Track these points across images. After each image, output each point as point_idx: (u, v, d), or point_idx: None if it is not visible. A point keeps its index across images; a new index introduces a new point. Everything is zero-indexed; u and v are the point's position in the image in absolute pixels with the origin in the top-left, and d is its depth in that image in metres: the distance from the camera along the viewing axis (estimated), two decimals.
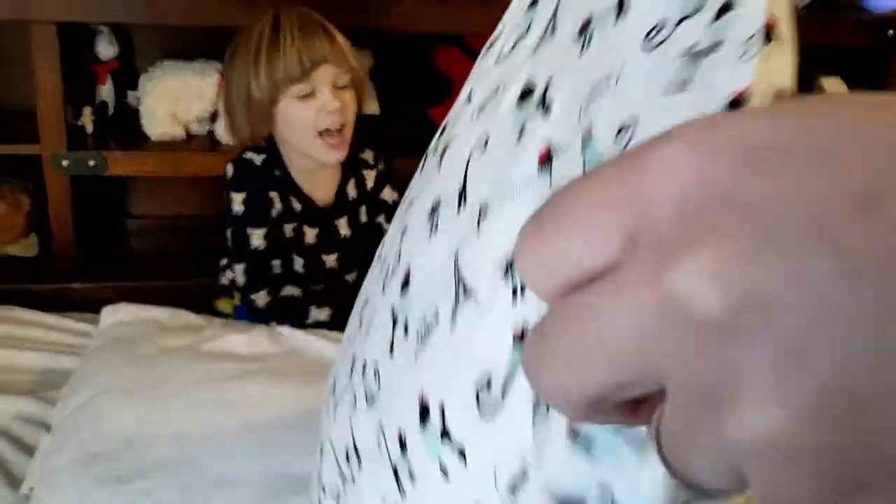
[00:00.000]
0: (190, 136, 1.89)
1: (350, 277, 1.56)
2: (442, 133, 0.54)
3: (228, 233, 1.44)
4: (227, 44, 1.92)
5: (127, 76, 1.91)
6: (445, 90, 2.01)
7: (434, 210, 0.47)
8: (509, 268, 0.37)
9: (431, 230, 0.46)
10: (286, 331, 1.34)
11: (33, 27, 1.62)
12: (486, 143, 0.44)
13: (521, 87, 0.42)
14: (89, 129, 1.84)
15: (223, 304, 1.67)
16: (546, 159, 0.37)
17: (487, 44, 0.54)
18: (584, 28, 0.38)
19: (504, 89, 0.44)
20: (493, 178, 0.41)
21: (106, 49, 1.85)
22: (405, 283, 0.47)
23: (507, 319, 0.36)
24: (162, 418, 1.14)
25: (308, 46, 1.32)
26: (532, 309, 0.35)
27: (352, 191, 1.50)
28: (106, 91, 1.88)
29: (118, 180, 2.07)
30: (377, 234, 1.53)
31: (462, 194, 0.44)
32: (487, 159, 0.43)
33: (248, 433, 1.13)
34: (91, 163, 1.75)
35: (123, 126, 1.89)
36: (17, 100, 1.87)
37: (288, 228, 1.45)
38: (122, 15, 1.67)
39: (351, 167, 1.50)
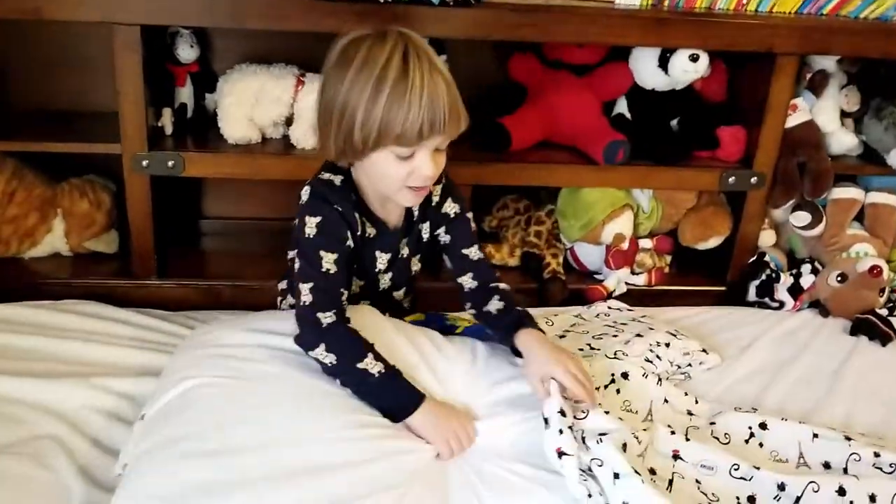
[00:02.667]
0: (265, 140, 1.91)
1: (398, 294, 1.53)
2: None
3: (296, 254, 1.35)
4: (306, 48, 1.94)
5: (206, 79, 1.94)
6: (519, 98, 2.00)
7: None
8: None
9: None
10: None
11: (117, 29, 1.66)
12: None
13: None
14: (168, 130, 1.88)
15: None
16: None
17: None
18: None
19: None
20: None
21: (186, 52, 1.89)
22: None
23: None
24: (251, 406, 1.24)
25: (432, 114, 1.21)
26: None
27: (416, 209, 1.44)
28: (185, 93, 1.91)
29: (195, 181, 2.11)
30: (433, 247, 1.51)
31: None
32: None
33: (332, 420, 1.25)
34: (170, 163, 1.79)
35: (201, 128, 1.92)
36: (100, 101, 1.92)
37: (359, 250, 1.39)
38: (207, 19, 1.69)
39: None
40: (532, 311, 1.84)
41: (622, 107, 2.01)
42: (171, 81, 1.90)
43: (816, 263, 2.04)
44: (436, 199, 1.45)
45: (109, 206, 1.96)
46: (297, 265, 1.34)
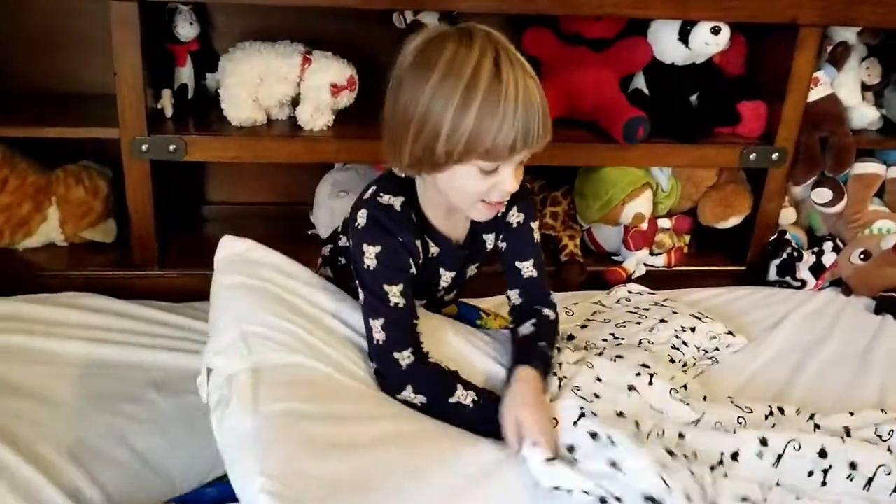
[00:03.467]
0: (270, 121, 1.82)
1: (449, 297, 1.45)
2: None
3: (358, 286, 1.24)
4: (310, 24, 1.86)
5: (207, 58, 1.85)
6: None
7: None
8: None
9: None
10: None
11: (113, 5, 1.57)
12: None
13: None
14: (169, 112, 1.79)
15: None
16: None
17: None
18: None
19: None
20: None
21: (186, 29, 1.79)
22: None
23: None
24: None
25: (526, 127, 1.10)
26: None
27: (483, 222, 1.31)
28: (185, 73, 1.82)
29: (196, 165, 2.02)
30: (504, 264, 1.39)
31: None
32: None
33: None
34: (171, 148, 1.70)
35: (203, 110, 1.84)
36: (96, 83, 1.83)
37: (422, 272, 1.29)
38: None
39: None
40: None
41: (640, 82, 1.94)
42: (171, 61, 1.81)
43: (838, 241, 1.99)
44: (502, 209, 1.33)
45: (106, 194, 1.87)
46: (361, 297, 1.24)
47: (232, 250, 1.37)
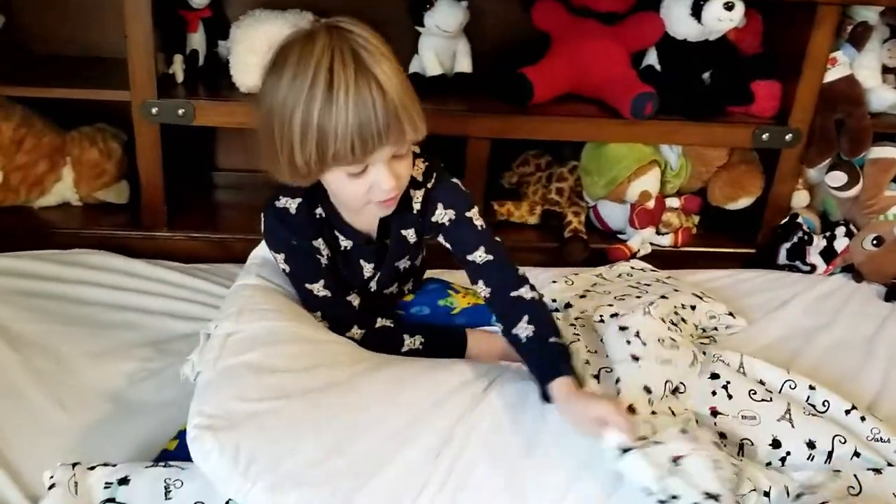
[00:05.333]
0: None
1: (391, 290, 1.41)
2: None
3: (292, 285, 1.31)
4: None
5: (218, 25, 1.87)
6: (543, 48, 1.91)
7: None
8: None
9: None
10: None
11: None
12: None
13: None
14: (180, 77, 1.82)
15: None
16: None
17: None
18: None
19: None
20: None
21: None
22: None
23: None
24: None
25: (360, 130, 1.07)
26: None
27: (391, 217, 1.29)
28: (197, 39, 1.85)
29: (207, 133, 2.05)
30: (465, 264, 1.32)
31: None
32: None
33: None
34: (180, 111, 1.73)
35: (213, 76, 1.86)
36: (109, 48, 1.86)
37: (340, 264, 1.31)
38: None
39: None
40: (550, 270, 1.80)
41: (652, 58, 1.92)
42: (183, 27, 1.84)
43: (851, 226, 1.95)
44: (417, 205, 1.28)
45: (120, 156, 1.91)
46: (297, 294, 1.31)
47: (262, 250, 1.40)
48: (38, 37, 1.93)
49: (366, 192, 1.16)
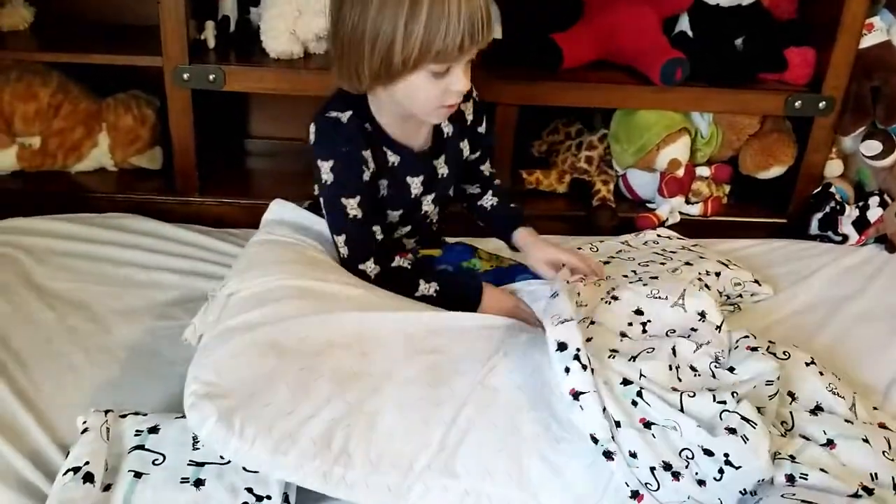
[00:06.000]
0: (308, 55, 1.86)
1: (435, 214, 1.47)
2: None
3: (322, 201, 1.32)
4: None
5: None
6: (574, 14, 1.90)
7: None
8: None
9: None
10: None
11: None
12: None
13: None
14: (211, 43, 1.84)
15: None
16: None
17: None
18: None
19: None
20: None
21: None
22: None
23: None
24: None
25: (471, 25, 1.15)
26: None
27: (447, 127, 1.39)
28: (228, 5, 1.87)
29: (239, 100, 2.08)
30: (470, 170, 1.46)
31: None
32: None
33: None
34: (211, 77, 1.76)
35: (245, 43, 1.88)
36: (143, 14, 1.89)
37: (384, 184, 1.33)
38: None
39: None
40: (577, 238, 1.80)
41: (684, 24, 1.89)
42: None
43: (886, 196, 1.92)
44: (470, 117, 1.40)
45: (154, 122, 1.95)
46: (325, 216, 1.32)
47: (272, 215, 1.45)
48: (74, 5, 1.96)
49: (440, 94, 1.22)
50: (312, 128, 1.29)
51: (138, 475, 1.07)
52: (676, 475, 1.07)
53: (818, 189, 1.94)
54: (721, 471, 1.07)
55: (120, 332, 1.44)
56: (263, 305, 1.18)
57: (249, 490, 1.06)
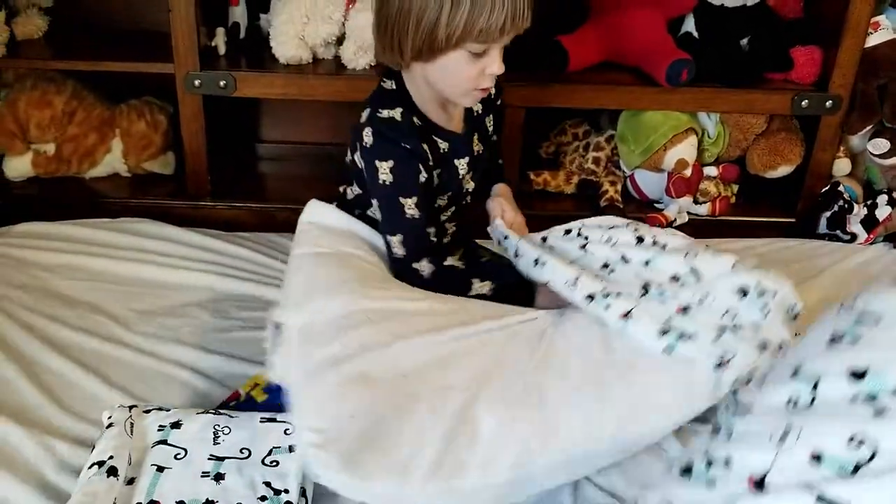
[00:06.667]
0: (316, 60, 1.88)
1: (471, 196, 1.48)
2: None
3: (376, 203, 1.32)
4: None
5: None
6: (580, 16, 1.91)
7: None
8: None
9: None
10: None
11: None
12: None
13: None
14: (222, 50, 1.87)
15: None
16: None
17: None
18: None
19: None
20: None
21: None
22: None
23: None
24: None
25: (514, 8, 1.17)
26: None
27: (476, 105, 1.41)
28: (238, 12, 1.89)
29: (250, 106, 2.11)
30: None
31: None
32: None
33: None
34: (222, 83, 1.78)
35: (255, 49, 1.91)
36: (153, 21, 1.91)
37: (436, 173, 1.33)
38: None
39: None
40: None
41: (689, 25, 1.90)
42: (225, 1, 1.88)
43: (894, 195, 1.92)
44: (492, 92, 1.40)
45: (166, 128, 1.98)
46: (380, 216, 1.32)
47: (310, 216, 1.43)
48: (88, 14, 1.99)
49: (475, 76, 1.24)
50: (367, 131, 1.28)
51: (161, 469, 1.10)
52: (735, 329, 1.19)
53: (826, 188, 1.95)
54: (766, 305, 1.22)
55: (140, 330, 1.47)
56: (342, 335, 1.16)
57: (268, 484, 1.09)
